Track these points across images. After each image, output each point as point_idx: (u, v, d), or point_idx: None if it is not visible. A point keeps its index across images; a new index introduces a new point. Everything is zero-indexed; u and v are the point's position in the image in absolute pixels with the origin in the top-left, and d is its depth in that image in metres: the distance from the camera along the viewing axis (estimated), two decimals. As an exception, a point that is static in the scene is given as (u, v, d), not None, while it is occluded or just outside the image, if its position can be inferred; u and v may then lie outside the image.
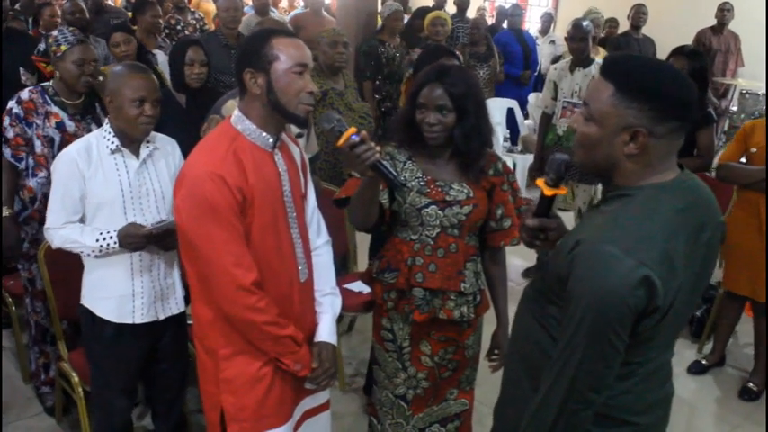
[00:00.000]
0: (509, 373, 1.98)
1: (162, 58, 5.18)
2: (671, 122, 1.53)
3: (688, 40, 7.44)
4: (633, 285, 1.45)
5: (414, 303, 2.45)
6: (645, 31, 7.23)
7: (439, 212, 2.39)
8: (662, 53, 6.94)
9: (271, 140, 2.06)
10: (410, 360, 2.55)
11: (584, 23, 4.85)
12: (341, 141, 2.01)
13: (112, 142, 2.51)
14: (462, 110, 2.33)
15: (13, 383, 3.62)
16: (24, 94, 3.11)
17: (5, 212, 3.10)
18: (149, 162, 2.58)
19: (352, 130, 2.02)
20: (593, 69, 4.82)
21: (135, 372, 2.71)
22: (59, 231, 2.50)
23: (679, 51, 4.03)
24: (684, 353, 4.26)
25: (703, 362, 4.10)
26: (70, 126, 3.11)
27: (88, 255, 2.51)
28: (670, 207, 1.55)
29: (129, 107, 2.46)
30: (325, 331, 2.28)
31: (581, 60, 4.85)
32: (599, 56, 6.16)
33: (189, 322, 2.77)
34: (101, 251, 2.47)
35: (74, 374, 2.94)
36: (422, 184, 2.40)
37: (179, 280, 2.72)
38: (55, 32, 3.15)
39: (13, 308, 3.60)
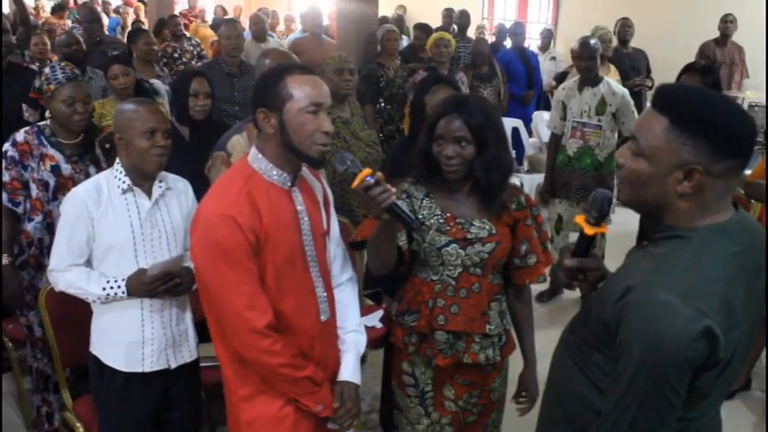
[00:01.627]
0: (546, 420, 1.86)
1: (160, 87, 5.11)
2: (730, 160, 1.41)
3: (688, 53, 7.40)
4: (693, 338, 1.33)
5: (436, 347, 2.34)
6: (644, 46, 7.14)
7: (460, 251, 2.27)
8: (662, 67, 6.89)
9: (287, 178, 2.01)
10: (433, 405, 2.43)
11: (592, 41, 4.78)
12: (355, 183, 1.88)
13: (123, 181, 2.41)
14: (482, 141, 2.21)
15: (15, 431, 3.49)
16: (19, 136, 3.00)
17: (5, 260, 2.98)
18: (161, 202, 2.49)
19: (367, 171, 1.88)
20: (602, 88, 4.76)
21: (146, 421, 2.58)
22: (64, 275, 2.41)
23: (691, 68, 3.94)
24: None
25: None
26: (66, 169, 3.00)
27: (93, 302, 2.41)
28: (727, 250, 1.43)
29: (139, 140, 2.37)
30: (348, 370, 2.21)
31: (589, 79, 4.78)
32: (609, 74, 6.09)
33: (202, 364, 2.68)
34: (107, 299, 2.37)
35: (78, 425, 2.80)
36: (441, 221, 2.28)
37: (192, 326, 2.61)
38: (47, 69, 3.05)
39: (14, 353, 3.47)
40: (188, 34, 7.59)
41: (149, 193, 2.45)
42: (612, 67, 6.43)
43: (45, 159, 3.00)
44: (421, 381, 2.41)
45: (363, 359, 4.06)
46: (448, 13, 8.88)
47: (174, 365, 2.54)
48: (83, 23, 6.29)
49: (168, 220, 2.49)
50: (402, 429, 2.50)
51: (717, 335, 1.34)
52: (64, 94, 2.95)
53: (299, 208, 2.04)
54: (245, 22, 9.29)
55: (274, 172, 1.99)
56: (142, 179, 2.45)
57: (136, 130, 2.37)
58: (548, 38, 8.74)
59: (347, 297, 2.27)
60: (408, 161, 2.83)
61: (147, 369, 2.48)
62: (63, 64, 3.09)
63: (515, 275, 2.41)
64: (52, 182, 2.98)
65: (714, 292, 1.37)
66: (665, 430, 1.42)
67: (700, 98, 1.44)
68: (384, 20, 7.72)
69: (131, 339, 2.45)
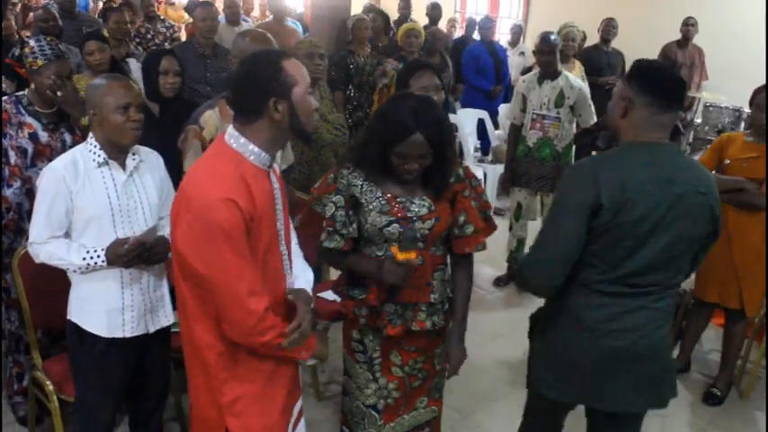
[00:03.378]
0: None
1: (134, 66, 5.18)
2: (650, 97, 2.18)
3: (653, 53, 7.64)
4: (589, 182, 2.16)
5: (385, 318, 2.49)
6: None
7: (400, 230, 2.39)
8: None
9: (269, 159, 2.06)
10: (381, 371, 2.58)
11: (552, 37, 4.95)
12: (401, 257, 2.36)
13: (99, 155, 2.49)
14: (439, 150, 2.33)
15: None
16: None
17: None
18: (135, 175, 2.58)
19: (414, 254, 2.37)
20: (561, 81, 4.95)
21: (121, 385, 2.71)
22: (44, 246, 2.48)
23: None
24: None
25: (669, 368, 4.18)
26: (43, 136, 3.10)
27: (74, 272, 2.51)
28: (638, 156, 2.21)
29: (114, 115, 2.45)
30: (300, 283, 2.27)
31: (549, 73, 4.97)
32: (575, 69, 6.29)
33: (174, 330, 2.77)
34: (87, 268, 2.47)
35: (48, 383, 2.92)
36: (383, 203, 2.39)
37: (167, 292, 2.73)
38: (32, 42, 3.11)
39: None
40: (161, 16, 7.63)
41: (123, 166, 2.54)
42: (578, 64, 6.63)
43: (23, 127, 3.10)
44: (369, 348, 2.57)
45: (324, 331, 4.24)
46: (405, 4, 8.87)
47: (152, 330, 2.68)
48: (56, -1, 6.31)
49: (143, 191, 2.59)
50: (351, 393, 2.66)
51: (601, 184, 2.14)
52: (51, 70, 3.04)
53: (275, 187, 2.11)
54: (219, 6, 9.35)
55: (262, 155, 2.01)
56: (117, 152, 2.52)
57: (110, 106, 2.45)
58: (517, 33, 8.91)
59: (299, 259, 2.36)
60: None
61: (128, 334, 2.60)
62: (49, 39, 3.16)
63: (455, 245, 2.53)
64: (30, 149, 3.08)
65: (615, 170, 2.17)
66: (569, 238, 2.20)
67: (645, 62, 2.27)
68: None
69: (111, 306, 2.56)
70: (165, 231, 2.63)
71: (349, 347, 2.64)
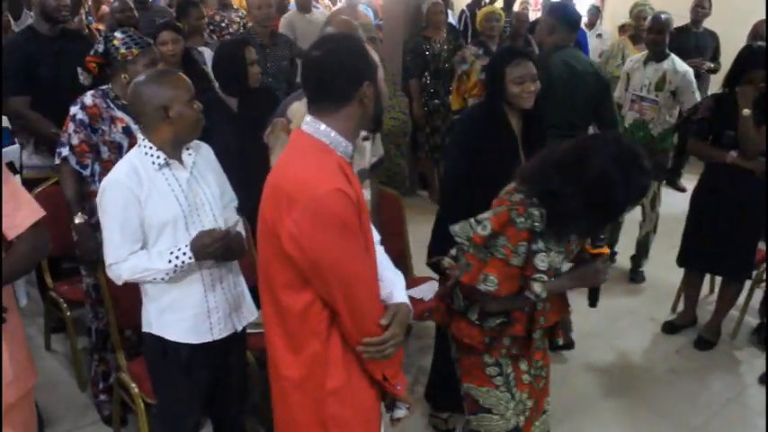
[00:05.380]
0: None
1: (208, 56, 5.11)
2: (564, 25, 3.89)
3: (743, 31, 7.20)
4: None
5: (534, 345, 2.41)
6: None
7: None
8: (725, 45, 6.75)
9: (351, 150, 1.96)
10: (516, 385, 2.44)
11: (663, 16, 4.82)
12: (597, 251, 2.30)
13: (158, 156, 2.35)
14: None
15: (67, 390, 3.59)
16: (88, 99, 3.04)
17: (79, 219, 3.04)
18: (195, 171, 2.45)
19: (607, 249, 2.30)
20: (666, 65, 4.79)
21: (208, 390, 2.62)
22: (125, 264, 2.34)
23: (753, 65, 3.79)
24: (754, 362, 4.09)
25: (776, 372, 3.93)
26: (136, 129, 3.00)
27: (162, 279, 2.36)
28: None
29: (190, 109, 2.36)
30: (401, 294, 2.07)
31: (656, 54, 4.83)
32: (629, 48, 6.06)
33: (250, 330, 2.71)
34: (175, 271, 2.34)
35: (133, 386, 2.87)
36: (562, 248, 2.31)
37: (245, 287, 2.64)
38: (119, 34, 3.06)
39: (68, 313, 3.55)
40: (235, 5, 7.57)
41: (182, 164, 2.42)
42: (630, 43, 6.40)
43: (116, 121, 3.04)
44: (504, 365, 2.42)
45: (409, 330, 4.11)
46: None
47: (239, 328, 2.58)
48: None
49: (206, 186, 2.47)
50: (488, 426, 2.46)
51: None
52: (147, 58, 3.01)
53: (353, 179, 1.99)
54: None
55: (348, 146, 1.92)
56: (177, 151, 2.40)
57: (184, 101, 2.34)
58: (595, 15, 8.58)
59: (381, 254, 2.20)
60: (492, 132, 2.92)
61: (217, 336, 2.49)
62: (132, 31, 3.12)
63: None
64: (126, 143, 3.01)
65: None
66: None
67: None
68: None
69: (198, 310, 2.44)
70: (237, 225, 2.56)
71: (481, 377, 2.43)
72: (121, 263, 2.34)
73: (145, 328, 2.50)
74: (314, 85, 1.90)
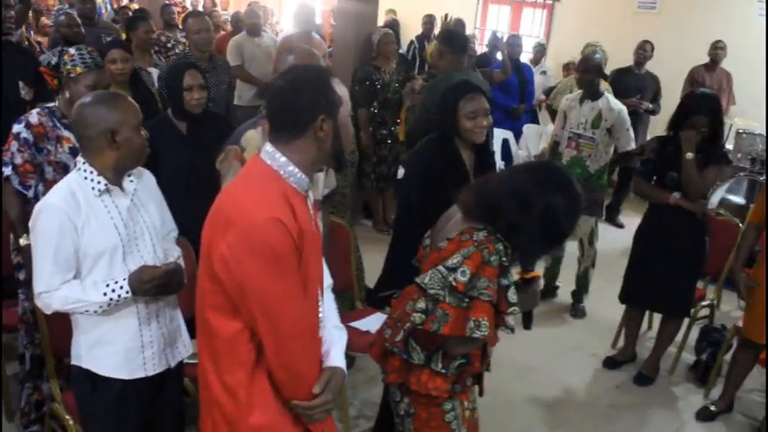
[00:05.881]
0: None
1: (156, 75, 5.03)
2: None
3: (680, 75, 7.48)
4: None
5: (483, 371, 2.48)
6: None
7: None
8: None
9: (307, 182, 1.92)
10: (462, 423, 2.39)
11: (596, 56, 4.97)
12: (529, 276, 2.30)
13: (99, 182, 2.23)
14: None
15: (-7, 420, 3.40)
16: (33, 118, 2.93)
17: (24, 241, 2.90)
18: (136, 198, 2.35)
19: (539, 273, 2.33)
20: (601, 103, 4.90)
21: (140, 427, 2.48)
22: (56, 294, 2.21)
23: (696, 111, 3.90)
24: (690, 398, 4.17)
25: (712, 408, 4.00)
26: None
27: (95, 312, 2.24)
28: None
29: (136, 136, 2.27)
30: (339, 357, 2.06)
31: (590, 93, 4.95)
32: (576, 87, 6.19)
33: (187, 361, 2.61)
34: (109, 305, 2.23)
35: (68, 417, 2.73)
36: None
37: (182, 321, 2.55)
38: (72, 50, 2.97)
39: (-1, 338, 3.38)
40: (180, 25, 7.48)
41: (123, 191, 2.31)
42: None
43: (62, 141, 2.94)
44: (456, 408, 2.37)
45: (351, 363, 4.06)
46: (429, 20, 8.78)
47: (173, 364, 2.47)
48: (76, 4, 6.16)
49: (146, 214, 2.38)
50: None
51: None
52: (90, 79, 2.91)
53: (311, 212, 1.97)
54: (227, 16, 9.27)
55: (302, 177, 1.88)
56: (119, 177, 2.29)
57: (131, 126, 2.25)
58: (540, 52, 8.76)
59: (329, 300, 2.18)
60: (444, 165, 2.90)
61: (150, 372, 2.38)
62: (89, 49, 3.02)
63: None
64: (71, 164, 2.89)
65: None
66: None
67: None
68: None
69: (129, 346, 2.33)
70: (174, 255, 2.48)
71: (440, 427, 2.36)
72: (53, 292, 2.21)
73: (74, 361, 2.37)
74: (273, 114, 1.89)
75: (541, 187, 2.15)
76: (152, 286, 2.26)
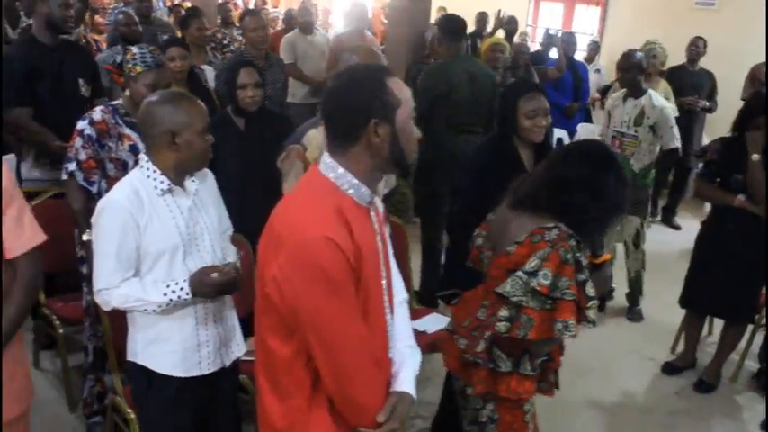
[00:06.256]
0: None
1: (211, 74, 5.08)
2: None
3: (741, 72, 7.26)
4: None
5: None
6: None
7: None
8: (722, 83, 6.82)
9: (368, 194, 1.78)
10: (531, 420, 2.47)
11: (637, 54, 4.85)
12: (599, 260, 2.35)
13: (162, 181, 2.26)
14: None
15: (56, 410, 3.48)
16: (96, 115, 2.99)
17: (87, 236, 2.93)
18: (196, 198, 2.36)
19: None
20: (644, 100, 4.79)
21: (192, 426, 2.50)
22: (116, 291, 2.24)
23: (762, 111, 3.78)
24: (756, 407, 4.04)
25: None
26: (143, 147, 2.95)
27: (153, 311, 2.27)
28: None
29: (200, 140, 2.27)
30: (408, 381, 1.91)
31: (633, 91, 4.85)
32: (660, 87, 6.04)
33: (245, 358, 2.62)
34: (168, 305, 2.26)
35: (129, 411, 2.76)
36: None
37: (237, 320, 2.56)
38: (134, 49, 3.02)
39: (60, 330, 3.45)
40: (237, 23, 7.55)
41: (185, 191, 2.34)
42: (663, 82, 6.35)
43: (123, 139, 2.99)
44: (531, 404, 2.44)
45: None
46: (481, 17, 8.72)
47: (227, 363, 2.48)
48: (133, 2, 6.26)
49: (206, 214, 2.40)
50: None
51: None
52: (149, 78, 2.95)
53: (375, 227, 1.83)
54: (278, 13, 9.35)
55: (362, 189, 1.75)
56: (180, 177, 2.32)
57: (196, 129, 2.26)
58: (594, 50, 8.59)
59: (402, 316, 2.02)
60: (502, 164, 2.88)
61: (205, 371, 2.40)
62: (151, 48, 3.07)
63: None
64: (131, 162, 2.95)
65: None
66: None
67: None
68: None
69: (186, 344, 2.35)
70: (231, 256, 2.50)
71: (522, 428, 2.41)
72: (113, 289, 2.24)
73: (130, 357, 2.40)
74: (327, 119, 1.77)
75: (595, 168, 2.21)
76: (212, 289, 2.27)
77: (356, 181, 1.73)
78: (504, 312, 2.19)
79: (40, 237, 2.07)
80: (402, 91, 1.72)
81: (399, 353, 1.94)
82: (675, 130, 4.77)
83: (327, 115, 1.75)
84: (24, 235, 2.03)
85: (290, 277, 1.63)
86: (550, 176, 2.26)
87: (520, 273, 2.15)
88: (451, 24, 4.81)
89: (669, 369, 4.34)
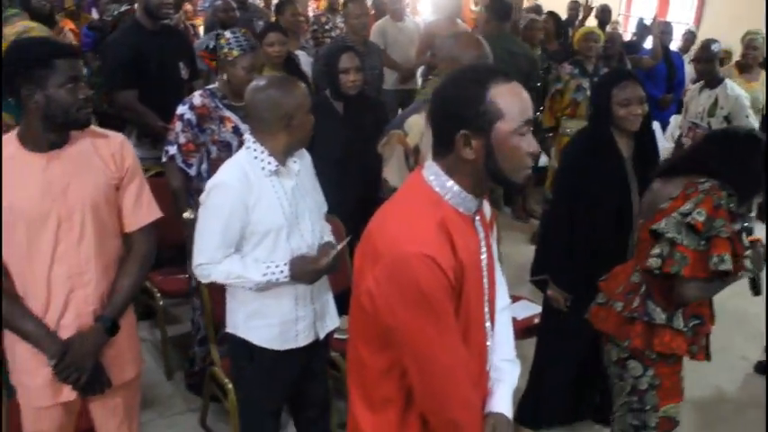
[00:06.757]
0: None
1: (304, 59, 5.17)
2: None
3: None
4: None
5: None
6: None
7: None
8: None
9: (475, 204, 1.65)
10: None
11: (713, 45, 4.82)
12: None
13: (269, 162, 2.33)
14: None
15: (154, 379, 3.64)
16: (197, 99, 3.09)
17: (188, 214, 3.07)
18: (298, 179, 2.43)
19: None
20: (719, 90, 4.76)
21: (287, 395, 2.63)
22: (218, 267, 2.33)
23: None
24: None
25: None
26: (245, 129, 3.04)
27: (250, 288, 2.36)
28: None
29: (309, 119, 2.37)
30: (504, 401, 1.80)
31: (709, 81, 4.83)
32: (759, 80, 5.81)
33: (338, 336, 2.77)
34: (266, 285, 2.35)
35: (227, 381, 2.88)
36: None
37: (331, 295, 2.64)
38: (228, 34, 3.10)
39: (160, 302, 3.62)
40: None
41: (288, 172, 2.40)
42: (763, 75, 6.11)
43: (225, 121, 3.09)
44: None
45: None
46: (574, 6, 8.58)
47: (321, 336, 2.57)
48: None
49: (307, 195, 2.46)
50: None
51: None
52: (246, 61, 3.03)
53: (480, 237, 1.71)
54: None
55: (466, 198, 1.62)
56: (286, 158, 2.38)
57: (305, 109, 2.34)
58: (689, 40, 8.29)
59: (503, 325, 1.90)
60: (597, 153, 2.91)
61: (302, 344, 2.49)
62: (243, 31, 3.15)
63: None
64: (235, 143, 3.05)
65: None
66: None
67: None
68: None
69: (285, 319, 2.44)
70: (327, 235, 2.56)
71: (679, 391, 2.58)
72: (215, 264, 2.33)
73: (230, 329, 2.50)
74: (431, 121, 1.66)
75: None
76: (312, 277, 2.36)
77: (458, 189, 1.61)
78: (656, 250, 2.29)
79: (156, 213, 2.21)
80: (512, 102, 1.55)
81: (496, 368, 1.84)
82: (752, 119, 4.71)
83: (430, 114, 1.67)
84: (141, 211, 2.17)
85: (386, 293, 1.54)
86: (713, 135, 2.48)
87: (674, 213, 2.26)
88: (500, 6, 5.36)
89: (762, 369, 4.20)
